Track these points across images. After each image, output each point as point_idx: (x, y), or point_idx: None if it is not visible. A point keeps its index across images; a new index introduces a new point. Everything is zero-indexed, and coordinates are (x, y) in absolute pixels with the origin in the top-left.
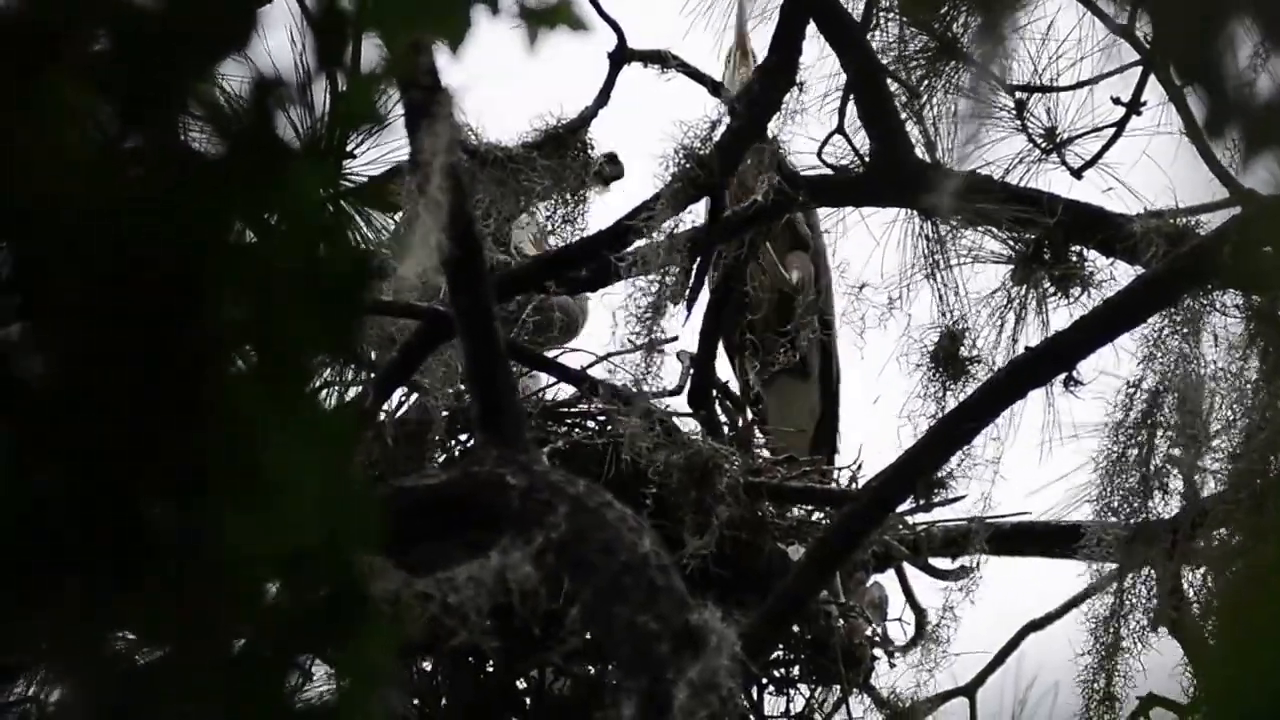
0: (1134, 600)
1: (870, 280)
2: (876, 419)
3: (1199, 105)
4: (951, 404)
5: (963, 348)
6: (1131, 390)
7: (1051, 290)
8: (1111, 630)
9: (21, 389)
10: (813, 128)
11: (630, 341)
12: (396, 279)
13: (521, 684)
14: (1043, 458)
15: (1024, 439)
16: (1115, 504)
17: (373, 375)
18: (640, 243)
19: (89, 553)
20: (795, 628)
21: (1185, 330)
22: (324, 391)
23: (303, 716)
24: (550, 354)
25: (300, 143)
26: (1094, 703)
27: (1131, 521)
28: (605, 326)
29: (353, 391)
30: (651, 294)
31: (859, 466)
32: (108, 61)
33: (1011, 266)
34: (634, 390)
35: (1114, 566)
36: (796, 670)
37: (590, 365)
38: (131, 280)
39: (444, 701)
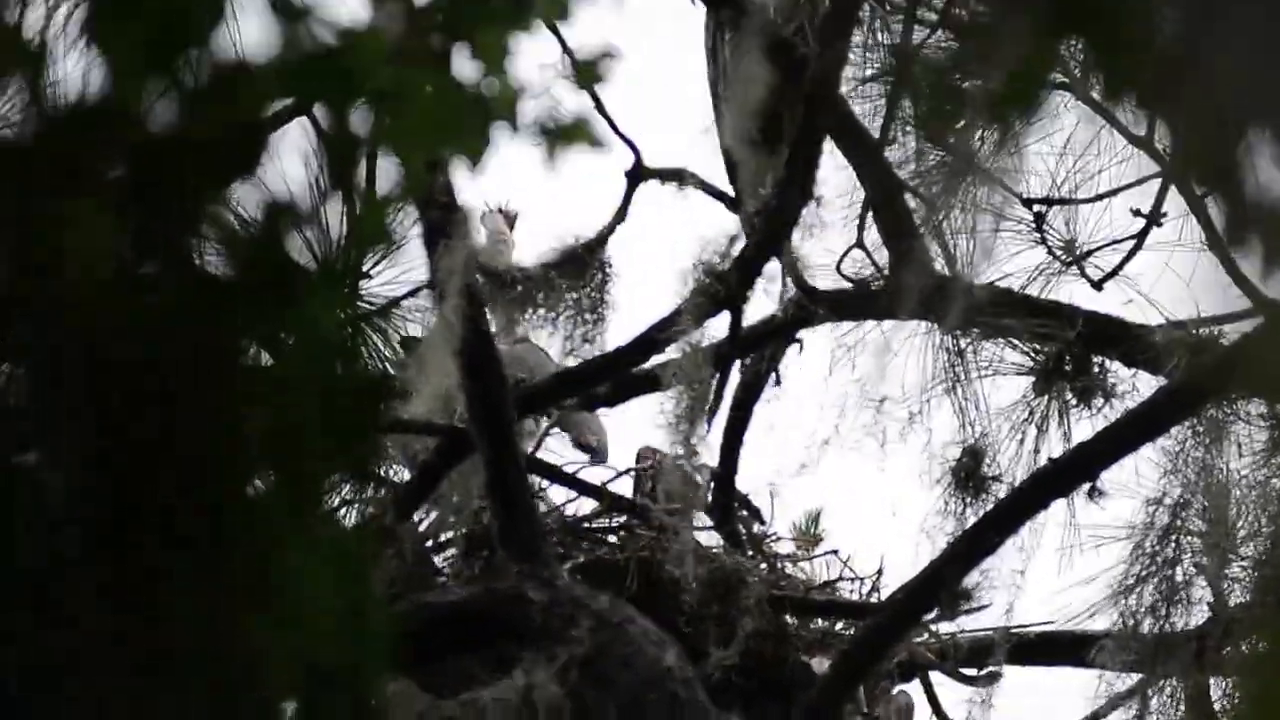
0: (1160, 710)
1: (891, 393)
2: (895, 532)
3: (1219, 215)
4: (972, 519)
5: (984, 465)
6: (1156, 501)
7: (1073, 402)
8: None
9: (43, 508)
10: (830, 239)
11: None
12: (415, 396)
13: None
14: (1063, 566)
15: (1046, 546)
16: (1140, 614)
17: (393, 492)
18: (665, 356)
19: (109, 665)
20: None
21: (1209, 440)
22: (342, 509)
23: None
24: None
25: (315, 263)
26: None
27: (1156, 631)
28: (624, 442)
29: (371, 508)
30: (680, 407)
31: (880, 576)
32: (123, 185)
33: (1033, 379)
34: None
35: (1140, 677)
36: None
37: (611, 480)
38: (149, 400)
39: None
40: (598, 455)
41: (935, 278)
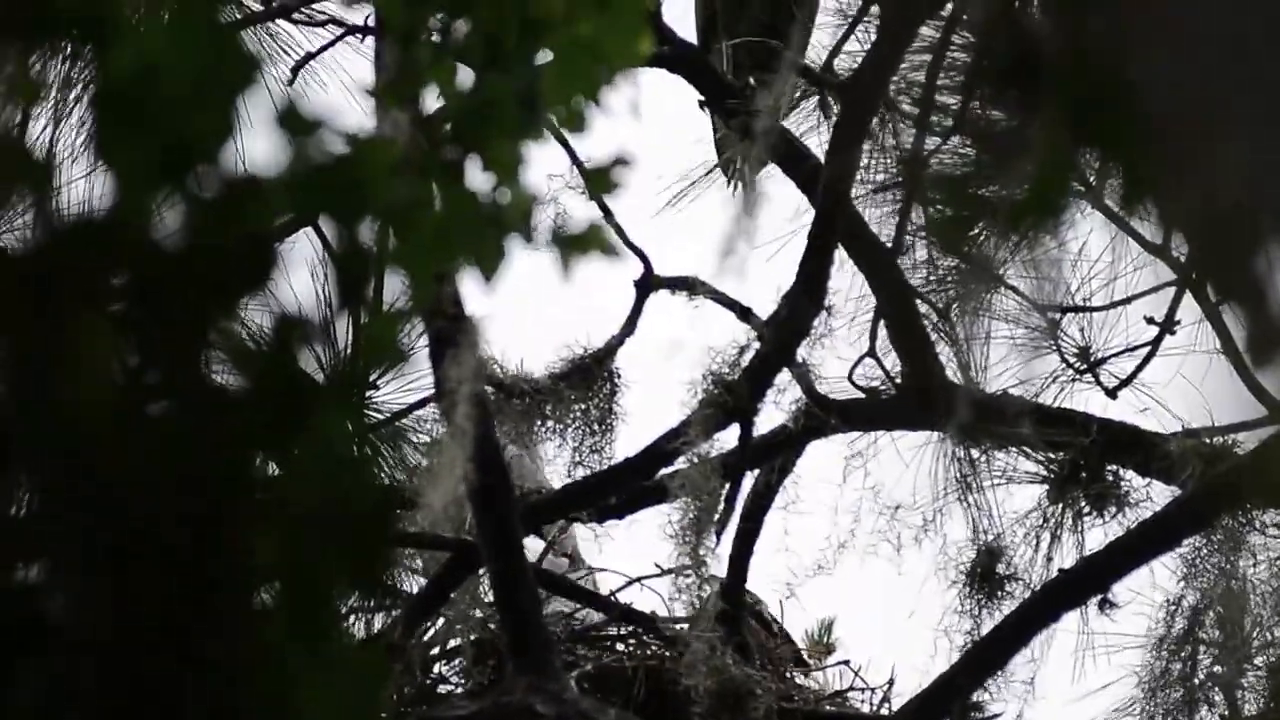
0: None
1: (903, 500)
2: (910, 638)
3: (1236, 325)
4: (988, 620)
5: (1000, 564)
6: (1172, 608)
7: (1087, 510)
8: None
9: (46, 629)
10: (842, 347)
11: (658, 566)
12: (424, 508)
13: None
14: (1078, 675)
15: (1060, 651)
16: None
17: (401, 606)
18: (673, 468)
19: None
20: None
21: (1224, 549)
22: (352, 626)
23: None
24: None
25: (324, 377)
26: None
27: None
28: (632, 551)
29: (381, 623)
30: (688, 519)
31: (891, 686)
32: (129, 299)
33: (1046, 487)
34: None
35: None
36: None
37: (620, 589)
38: (156, 517)
39: None
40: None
41: (949, 387)
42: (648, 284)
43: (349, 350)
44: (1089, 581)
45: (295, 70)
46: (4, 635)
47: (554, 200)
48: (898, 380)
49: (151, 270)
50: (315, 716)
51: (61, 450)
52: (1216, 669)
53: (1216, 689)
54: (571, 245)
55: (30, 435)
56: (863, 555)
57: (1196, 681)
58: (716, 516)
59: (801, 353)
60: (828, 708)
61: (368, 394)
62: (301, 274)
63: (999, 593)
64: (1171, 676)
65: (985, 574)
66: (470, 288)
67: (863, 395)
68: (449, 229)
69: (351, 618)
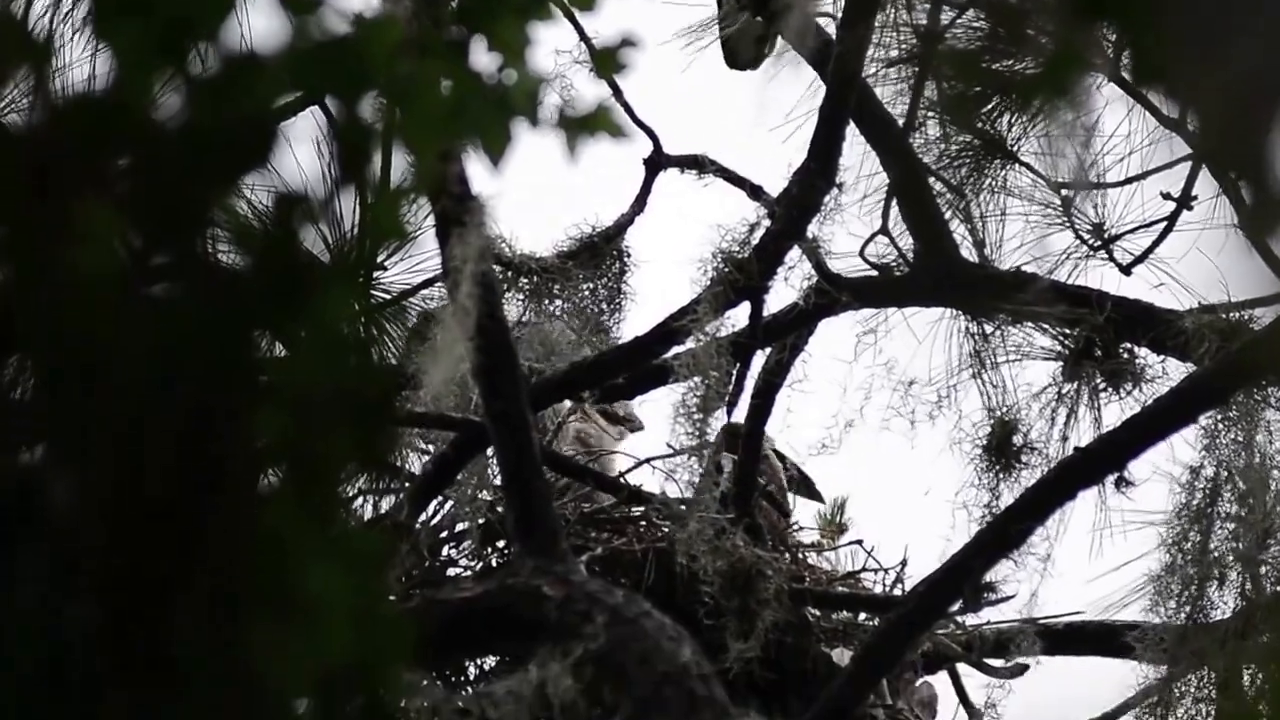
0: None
1: (916, 377)
2: (922, 516)
3: (1248, 199)
4: (1005, 492)
5: (1016, 434)
6: (1192, 478)
7: (1103, 386)
8: None
9: (49, 511)
10: (854, 224)
11: (670, 446)
12: (427, 387)
13: None
14: (1095, 552)
15: (1078, 529)
16: (1174, 597)
17: (407, 486)
18: (682, 347)
19: (122, 676)
20: None
21: (1240, 424)
22: (357, 505)
23: None
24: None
25: (329, 256)
26: None
27: (1188, 620)
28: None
29: (387, 503)
30: (697, 397)
31: (904, 567)
32: (131, 179)
33: (1061, 364)
34: (686, 501)
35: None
36: None
37: (630, 470)
38: (160, 398)
39: None
40: (633, 425)
41: (962, 263)
42: (657, 162)
43: (355, 230)
44: (1105, 459)
45: None
46: (4, 518)
47: (561, 78)
48: (910, 257)
49: (152, 150)
50: (320, 598)
51: (63, 332)
52: (1236, 545)
53: (1236, 564)
54: (579, 126)
55: (32, 317)
56: (875, 434)
57: (1213, 556)
58: (725, 395)
59: (812, 229)
60: (839, 588)
61: (375, 274)
62: (305, 153)
63: (1016, 463)
64: (1189, 551)
65: (1001, 445)
66: (477, 167)
67: (875, 272)
68: (453, 109)
69: (359, 500)
